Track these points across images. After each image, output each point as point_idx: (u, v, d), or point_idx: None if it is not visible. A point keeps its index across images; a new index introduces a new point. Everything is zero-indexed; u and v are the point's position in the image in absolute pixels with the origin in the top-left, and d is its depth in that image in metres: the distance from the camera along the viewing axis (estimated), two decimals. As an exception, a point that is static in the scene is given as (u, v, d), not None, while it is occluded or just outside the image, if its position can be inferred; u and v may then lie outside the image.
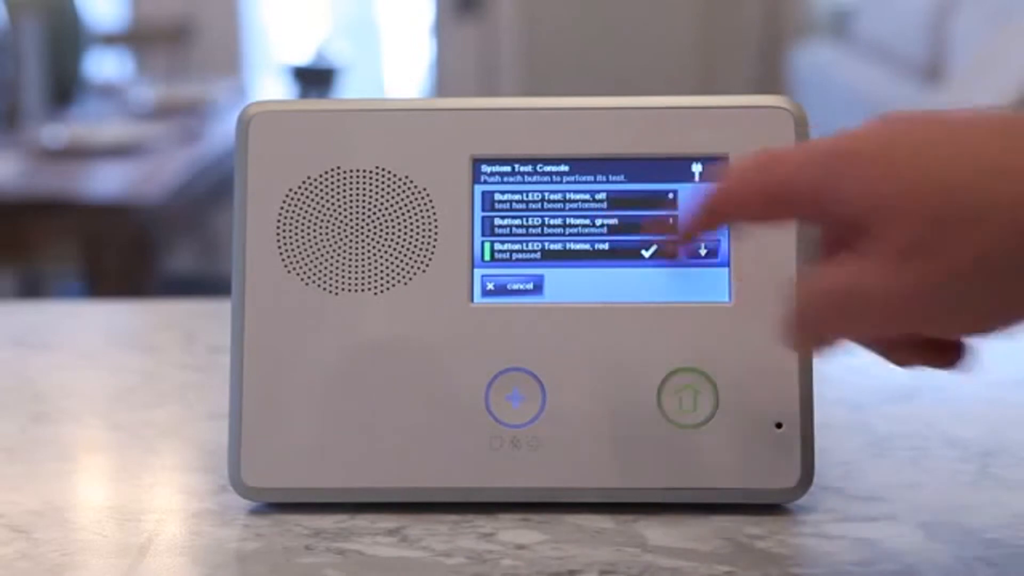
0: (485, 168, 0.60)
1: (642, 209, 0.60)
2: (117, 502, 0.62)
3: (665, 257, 0.59)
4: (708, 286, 0.59)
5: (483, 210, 0.60)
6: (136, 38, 4.10)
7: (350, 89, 3.97)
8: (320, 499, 0.59)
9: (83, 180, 2.61)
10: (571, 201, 0.60)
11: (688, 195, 0.59)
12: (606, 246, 0.60)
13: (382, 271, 0.60)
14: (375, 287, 0.60)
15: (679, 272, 0.59)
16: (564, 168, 0.60)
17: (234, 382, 0.59)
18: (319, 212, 0.60)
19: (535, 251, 0.60)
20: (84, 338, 0.93)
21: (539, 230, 0.60)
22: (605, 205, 0.60)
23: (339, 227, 0.60)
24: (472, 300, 0.59)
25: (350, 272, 0.60)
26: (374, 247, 0.60)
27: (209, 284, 2.86)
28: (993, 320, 0.46)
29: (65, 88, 3.15)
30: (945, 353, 0.49)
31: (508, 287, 0.60)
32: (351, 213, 0.60)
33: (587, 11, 4.10)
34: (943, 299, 0.45)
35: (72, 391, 0.80)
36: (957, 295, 0.45)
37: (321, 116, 0.61)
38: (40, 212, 2.48)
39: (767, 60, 4.15)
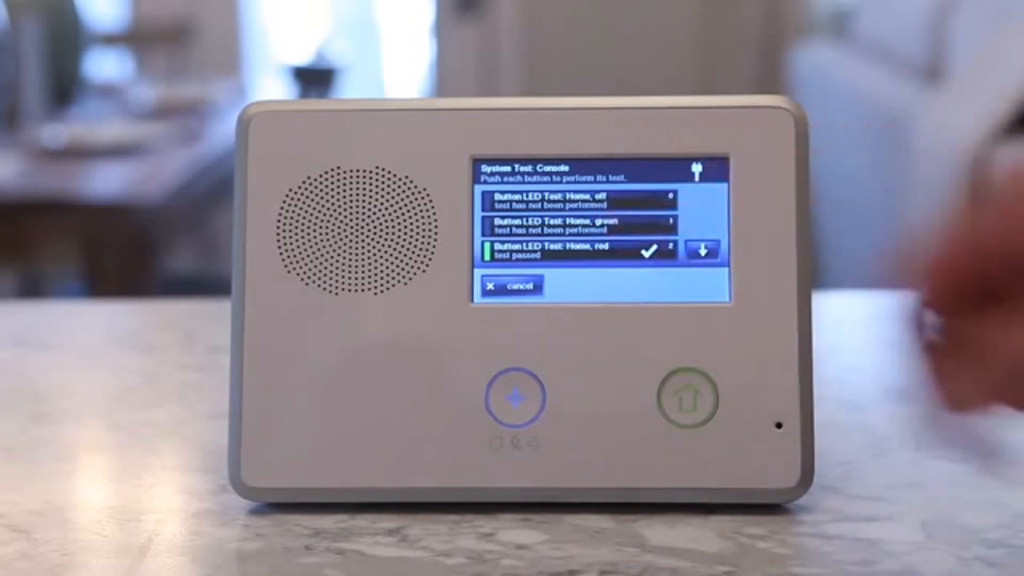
0: (485, 168, 0.60)
1: (642, 209, 0.60)
2: (117, 502, 0.62)
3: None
4: (708, 286, 0.59)
5: (483, 210, 0.60)
6: (136, 38, 4.10)
7: (350, 89, 3.97)
8: (320, 499, 0.59)
9: (83, 180, 2.61)
10: (571, 201, 0.60)
11: (689, 195, 0.59)
12: (606, 246, 0.60)
13: (382, 271, 0.60)
14: (375, 287, 0.60)
15: (679, 272, 0.59)
16: (564, 168, 0.60)
17: (234, 382, 0.59)
18: (319, 212, 0.60)
19: (535, 251, 0.60)
20: (84, 338, 0.93)
21: (539, 230, 0.60)
22: (605, 205, 0.60)
23: (339, 227, 0.60)
24: (472, 300, 0.59)
25: (350, 272, 0.60)
26: (374, 247, 0.60)
27: (209, 284, 2.85)
28: None
29: (65, 88, 3.15)
30: None
31: (508, 287, 0.60)
32: (351, 213, 0.60)
33: (587, 11, 4.09)
34: None
35: (72, 391, 0.80)
36: None
37: (321, 116, 0.61)
38: (40, 212, 2.47)
39: (767, 60, 4.15)
